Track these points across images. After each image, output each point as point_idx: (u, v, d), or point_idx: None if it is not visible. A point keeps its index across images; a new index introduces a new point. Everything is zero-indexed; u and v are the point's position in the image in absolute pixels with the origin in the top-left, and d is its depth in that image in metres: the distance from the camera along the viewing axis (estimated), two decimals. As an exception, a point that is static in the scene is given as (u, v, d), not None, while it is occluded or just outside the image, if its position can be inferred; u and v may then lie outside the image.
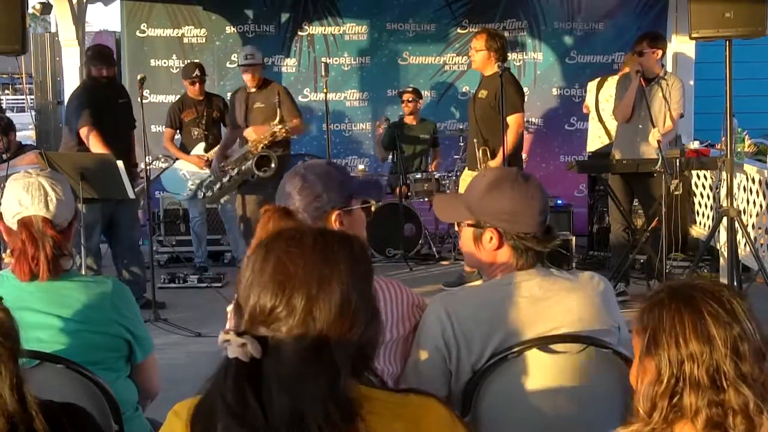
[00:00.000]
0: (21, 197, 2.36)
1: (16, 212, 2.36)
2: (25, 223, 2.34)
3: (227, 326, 2.17)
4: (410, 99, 8.21)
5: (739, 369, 1.47)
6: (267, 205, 2.12)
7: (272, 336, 1.36)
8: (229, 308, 1.94)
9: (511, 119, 6.01)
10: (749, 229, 6.18)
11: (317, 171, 2.27)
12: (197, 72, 7.41)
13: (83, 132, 5.99)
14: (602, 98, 7.31)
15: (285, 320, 1.36)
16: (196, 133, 7.45)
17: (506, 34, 8.20)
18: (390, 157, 8.34)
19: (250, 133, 6.60)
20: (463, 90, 8.87)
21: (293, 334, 1.35)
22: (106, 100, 6.17)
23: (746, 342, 1.48)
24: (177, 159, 7.46)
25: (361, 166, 8.40)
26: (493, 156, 6.05)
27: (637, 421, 1.54)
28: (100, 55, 6.25)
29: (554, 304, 2.11)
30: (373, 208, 2.37)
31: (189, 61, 7.98)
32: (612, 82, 7.04)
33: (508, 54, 6.43)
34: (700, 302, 1.52)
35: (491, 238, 2.17)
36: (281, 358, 1.34)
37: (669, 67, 8.51)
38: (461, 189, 6.09)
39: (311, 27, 8.80)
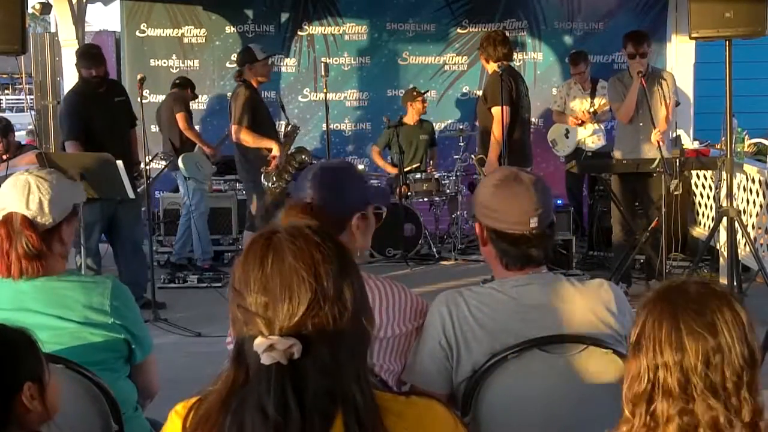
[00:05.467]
0: (6, 194, 2.38)
1: (1, 208, 2.38)
2: (5, 220, 2.36)
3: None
4: (423, 100, 8.16)
5: (709, 381, 1.47)
6: (292, 202, 2.12)
7: (309, 331, 1.33)
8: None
9: (492, 110, 6.03)
10: (749, 229, 6.18)
11: (345, 172, 2.27)
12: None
13: (68, 147, 5.95)
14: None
15: (319, 313, 1.34)
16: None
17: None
18: (388, 158, 8.35)
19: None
20: (464, 90, 8.87)
21: (330, 326, 1.34)
22: (98, 100, 6.09)
23: (721, 355, 1.48)
24: (172, 158, 7.29)
25: (361, 167, 8.39)
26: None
27: (623, 423, 1.55)
28: (88, 56, 6.14)
29: (556, 309, 2.11)
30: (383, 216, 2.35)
31: (190, 60, 7.90)
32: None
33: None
34: (679, 311, 1.51)
35: (478, 231, 2.21)
36: (320, 352, 1.33)
37: (669, 67, 8.51)
38: None
39: (311, 27, 8.80)
